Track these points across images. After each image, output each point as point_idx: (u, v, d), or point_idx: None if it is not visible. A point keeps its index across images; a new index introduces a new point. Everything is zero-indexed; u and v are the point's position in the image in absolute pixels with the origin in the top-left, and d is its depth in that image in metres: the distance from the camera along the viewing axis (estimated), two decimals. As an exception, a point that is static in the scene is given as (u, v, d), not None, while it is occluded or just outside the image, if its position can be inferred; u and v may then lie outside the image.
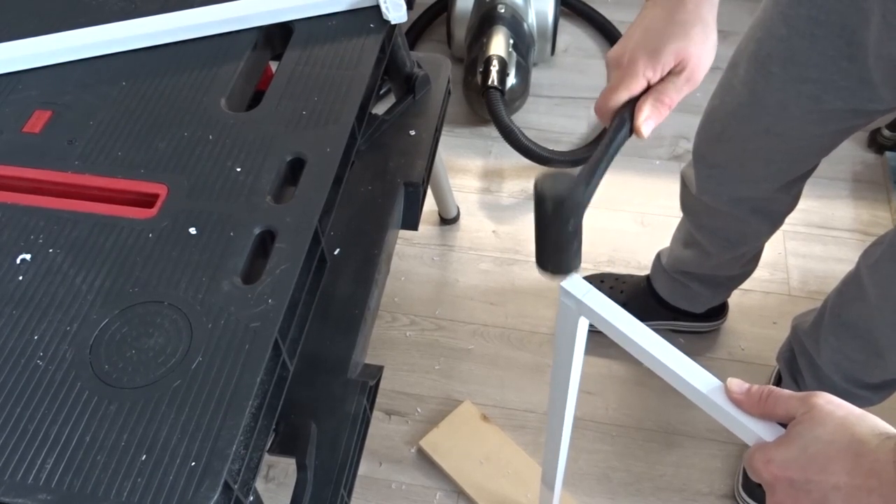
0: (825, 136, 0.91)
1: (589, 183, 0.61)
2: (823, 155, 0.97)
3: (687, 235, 1.20)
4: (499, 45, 1.61)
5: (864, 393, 1.06)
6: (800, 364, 1.14)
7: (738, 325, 1.40)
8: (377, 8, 0.94)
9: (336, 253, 0.99)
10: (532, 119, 1.73)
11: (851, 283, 1.01)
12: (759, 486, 1.25)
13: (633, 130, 0.64)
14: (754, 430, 0.53)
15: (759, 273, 1.30)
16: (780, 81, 0.86)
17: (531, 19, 1.71)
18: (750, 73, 0.90)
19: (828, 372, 1.07)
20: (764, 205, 1.05)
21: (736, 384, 0.54)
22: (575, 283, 0.63)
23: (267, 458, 0.75)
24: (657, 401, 1.31)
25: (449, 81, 1.19)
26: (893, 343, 0.97)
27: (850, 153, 1.64)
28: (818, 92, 0.84)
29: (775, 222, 1.11)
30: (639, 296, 1.36)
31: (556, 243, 0.62)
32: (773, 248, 1.49)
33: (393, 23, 0.94)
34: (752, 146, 0.95)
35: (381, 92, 1.43)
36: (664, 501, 1.21)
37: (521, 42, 1.67)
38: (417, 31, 1.88)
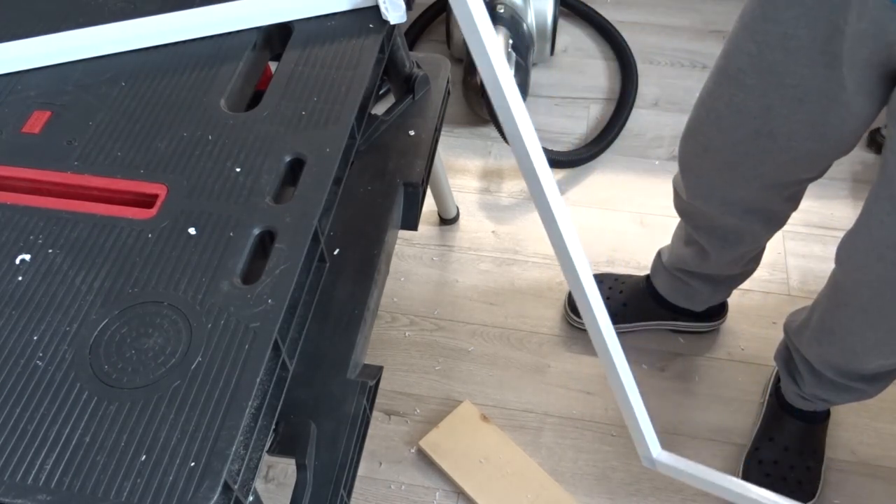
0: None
1: None
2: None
3: (687, 234, 1.20)
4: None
5: (860, 385, 1.07)
6: (796, 361, 1.14)
7: (738, 325, 1.40)
8: (376, 8, 0.94)
9: (336, 253, 0.99)
10: (531, 119, 1.73)
11: (838, 290, 1.01)
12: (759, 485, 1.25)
13: None
14: None
15: (759, 273, 1.30)
16: (759, 90, 0.87)
17: (530, 19, 1.71)
18: (722, 88, 0.90)
19: (820, 369, 1.08)
20: (758, 204, 1.05)
21: None
22: None
23: (267, 458, 0.75)
24: (657, 401, 1.31)
25: (448, 81, 1.19)
26: (868, 346, 0.97)
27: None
28: (800, 94, 0.84)
29: (770, 222, 1.10)
30: (638, 296, 1.36)
31: None
32: (773, 248, 1.49)
33: (392, 23, 0.94)
34: (742, 149, 0.95)
35: (381, 92, 1.43)
36: (664, 501, 1.21)
37: (521, 42, 1.66)
38: (417, 31, 1.88)
